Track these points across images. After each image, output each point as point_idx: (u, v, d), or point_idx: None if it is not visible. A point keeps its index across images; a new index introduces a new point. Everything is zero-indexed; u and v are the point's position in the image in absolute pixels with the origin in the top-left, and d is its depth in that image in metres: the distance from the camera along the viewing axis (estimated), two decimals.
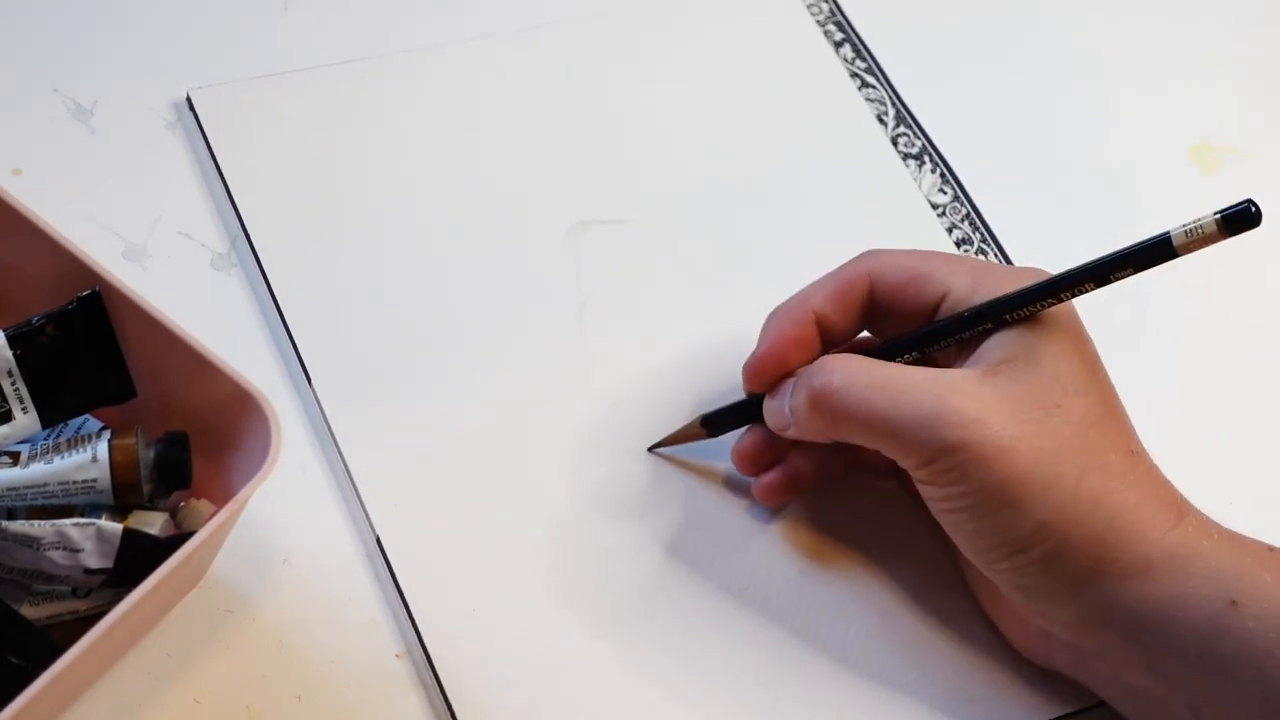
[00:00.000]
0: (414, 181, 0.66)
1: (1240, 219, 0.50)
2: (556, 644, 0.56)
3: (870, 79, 0.72)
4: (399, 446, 0.59)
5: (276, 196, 0.64)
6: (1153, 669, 0.53)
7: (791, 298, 0.58)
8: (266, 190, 0.64)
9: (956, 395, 0.52)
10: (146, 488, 0.53)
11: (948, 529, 0.54)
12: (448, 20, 0.70)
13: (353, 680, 0.54)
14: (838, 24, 0.73)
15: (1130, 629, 0.52)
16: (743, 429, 0.59)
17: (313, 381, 0.60)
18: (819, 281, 0.58)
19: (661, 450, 0.61)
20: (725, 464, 0.61)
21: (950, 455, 0.52)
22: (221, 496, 0.53)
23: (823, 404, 0.54)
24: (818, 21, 0.73)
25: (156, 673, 0.54)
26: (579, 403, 0.62)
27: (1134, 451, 0.54)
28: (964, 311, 0.55)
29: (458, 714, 0.54)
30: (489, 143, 0.67)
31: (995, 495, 0.52)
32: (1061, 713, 0.57)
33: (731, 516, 0.60)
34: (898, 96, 0.72)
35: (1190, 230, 0.51)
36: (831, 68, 0.72)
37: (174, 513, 0.54)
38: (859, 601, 0.58)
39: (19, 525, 0.51)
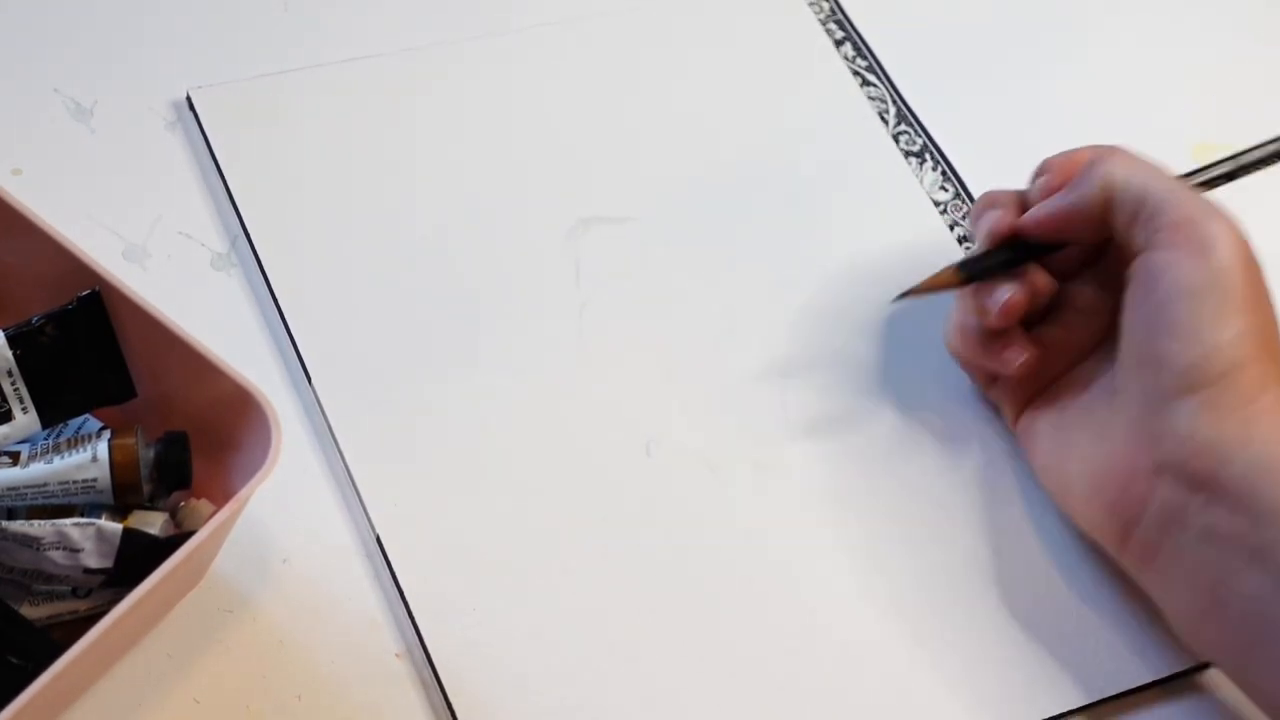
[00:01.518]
0: (414, 180, 0.66)
1: None
2: (556, 644, 0.56)
3: (871, 77, 0.72)
4: (399, 446, 0.59)
5: (276, 196, 0.64)
6: (1264, 517, 0.53)
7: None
8: (266, 190, 0.64)
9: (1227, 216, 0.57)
10: (146, 488, 0.53)
11: (1153, 305, 0.56)
12: (447, 20, 0.70)
13: (353, 680, 0.54)
14: (838, 22, 0.73)
15: (1258, 467, 0.53)
16: (1000, 289, 0.59)
17: (313, 381, 0.60)
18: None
19: (908, 298, 0.61)
20: (728, 456, 0.61)
21: (1213, 227, 0.56)
22: (221, 496, 0.53)
23: (1115, 155, 0.58)
24: (819, 20, 0.73)
25: (156, 673, 0.54)
26: (579, 402, 0.62)
27: None
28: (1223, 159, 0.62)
29: (458, 714, 0.54)
30: (489, 141, 0.67)
31: (1229, 289, 0.55)
32: (1060, 712, 0.57)
33: (727, 516, 0.60)
34: (899, 94, 0.72)
35: None
36: (833, 66, 0.72)
37: (174, 513, 0.54)
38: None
39: (19, 525, 0.51)
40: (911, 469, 0.62)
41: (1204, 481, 0.54)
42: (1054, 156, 0.61)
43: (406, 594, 0.56)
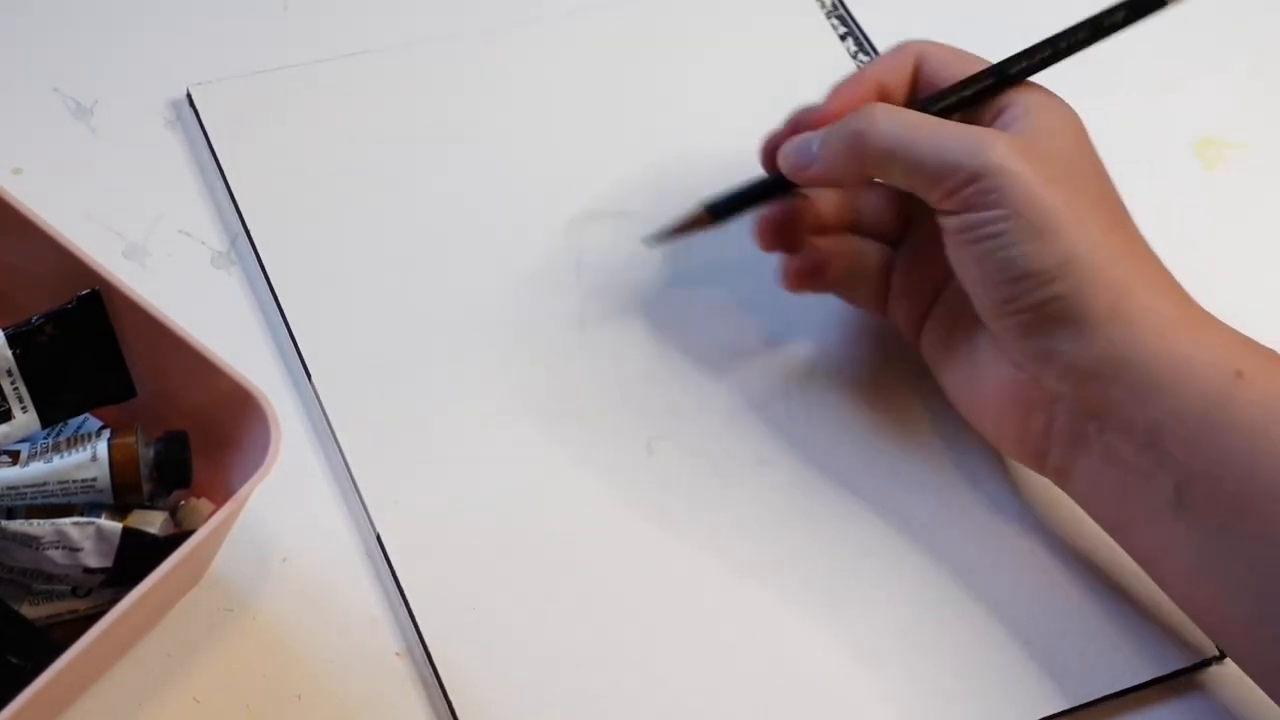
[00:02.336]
0: (415, 177, 0.66)
1: None
2: (556, 643, 0.56)
3: None
4: (399, 446, 0.59)
5: (277, 194, 0.64)
6: (1151, 436, 0.54)
7: (850, 75, 0.60)
8: (267, 188, 0.64)
9: (996, 134, 0.55)
10: (146, 487, 0.53)
11: (972, 262, 0.55)
12: (447, 15, 0.70)
13: (353, 680, 0.54)
14: (840, 18, 0.73)
15: (1140, 385, 0.54)
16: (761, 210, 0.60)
17: (313, 380, 0.60)
18: (872, 61, 0.61)
19: (666, 242, 0.62)
20: (731, 452, 0.61)
21: (994, 176, 0.54)
22: (221, 496, 0.53)
23: (864, 139, 0.56)
24: (821, 15, 0.73)
25: (156, 673, 0.54)
26: (580, 398, 0.61)
27: (1142, 237, 0.57)
28: (983, 71, 0.58)
29: (458, 713, 0.54)
30: (490, 137, 0.67)
31: (1032, 221, 0.54)
32: (1057, 711, 0.57)
33: (730, 514, 0.60)
34: None
35: None
36: (834, 61, 0.72)
37: (174, 512, 0.54)
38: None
39: (19, 524, 0.51)
40: (912, 466, 0.62)
41: (1094, 408, 0.55)
42: (840, 88, 0.60)
43: (406, 594, 0.56)
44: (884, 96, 0.59)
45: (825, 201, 0.61)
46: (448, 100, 0.68)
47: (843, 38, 0.73)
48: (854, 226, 0.62)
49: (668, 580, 0.58)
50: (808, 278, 0.61)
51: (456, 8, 0.71)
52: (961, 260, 0.56)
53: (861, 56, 0.72)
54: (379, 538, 0.57)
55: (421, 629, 0.55)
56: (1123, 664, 0.58)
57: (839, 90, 0.60)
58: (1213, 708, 0.58)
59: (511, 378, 0.62)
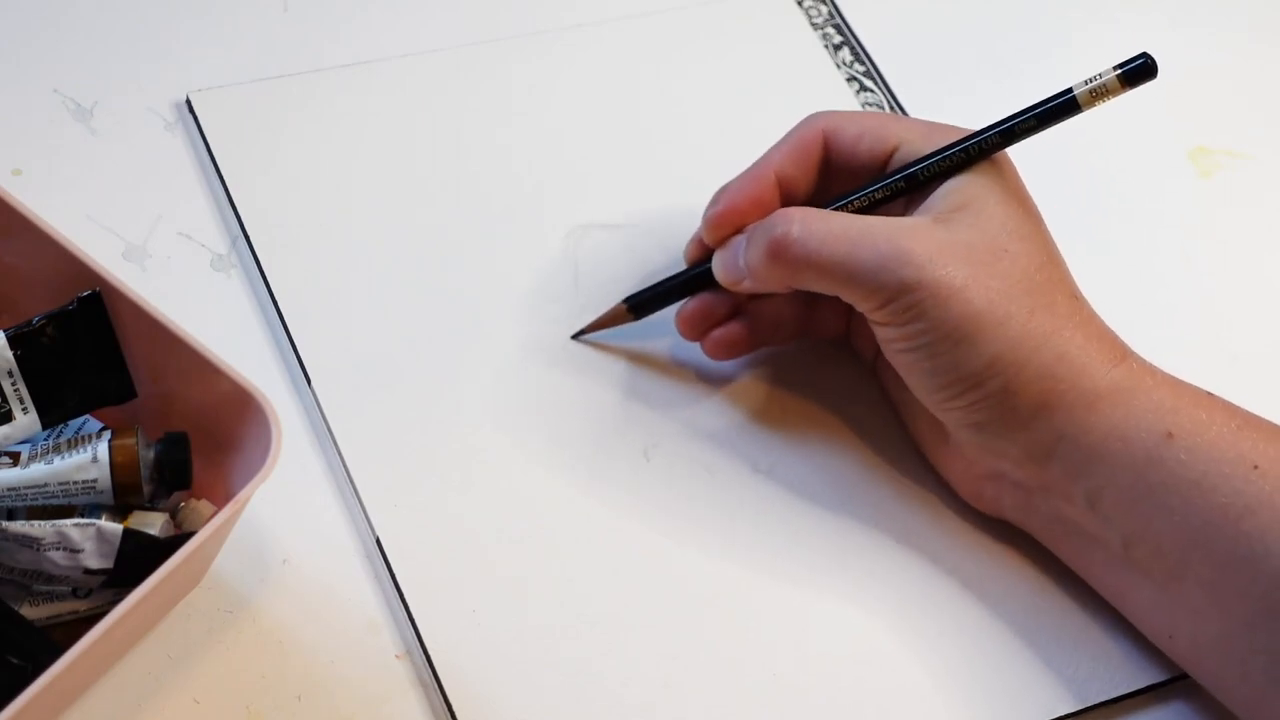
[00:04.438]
0: (413, 184, 0.66)
1: (1139, 73, 0.55)
2: (555, 645, 0.56)
3: (869, 83, 0.72)
4: (399, 447, 0.59)
5: (276, 198, 0.64)
6: (1092, 502, 0.55)
7: (752, 163, 0.60)
8: (266, 192, 0.64)
9: (911, 239, 0.55)
10: (147, 488, 0.53)
11: (904, 370, 0.57)
12: (447, 24, 0.70)
13: (353, 680, 0.54)
14: (836, 27, 0.74)
15: (1074, 461, 0.55)
16: (683, 301, 0.61)
17: (312, 382, 0.60)
18: (776, 144, 0.60)
19: (588, 337, 0.62)
20: (728, 460, 0.61)
21: (908, 294, 0.54)
22: (222, 497, 0.53)
23: (782, 253, 0.56)
24: (816, 25, 0.74)
25: (156, 673, 0.54)
26: (578, 405, 0.62)
27: (1076, 296, 0.57)
28: (900, 168, 0.58)
29: (458, 714, 0.54)
30: (489, 146, 0.67)
31: (951, 332, 0.54)
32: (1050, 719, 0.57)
33: (726, 520, 0.60)
34: (896, 100, 0.72)
35: (1094, 88, 0.55)
36: (830, 71, 0.72)
37: (174, 513, 0.54)
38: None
39: (19, 526, 0.51)
40: (906, 471, 0.62)
41: (1034, 484, 0.56)
42: (729, 198, 0.59)
43: (406, 594, 0.56)
44: (786, 186, 0.59)
45: (772, 306, 0.61)
46: (447, 110, 0.68)
47: (838, 47, 0.73)
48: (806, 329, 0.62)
49: (665, 585, 0.58)
50: (731, 344, 0.61)
51: (456, 20, 0.71)
52: (895, 363, 0.57)
53: (857, 65, 0.72)
54: (378, 540, 0.57)
55: (421, 631, 0.55)
56: (1119, 670, 0.58)
57: (735, 186, 0.59)
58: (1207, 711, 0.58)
59: (510, 383, 0.62)
